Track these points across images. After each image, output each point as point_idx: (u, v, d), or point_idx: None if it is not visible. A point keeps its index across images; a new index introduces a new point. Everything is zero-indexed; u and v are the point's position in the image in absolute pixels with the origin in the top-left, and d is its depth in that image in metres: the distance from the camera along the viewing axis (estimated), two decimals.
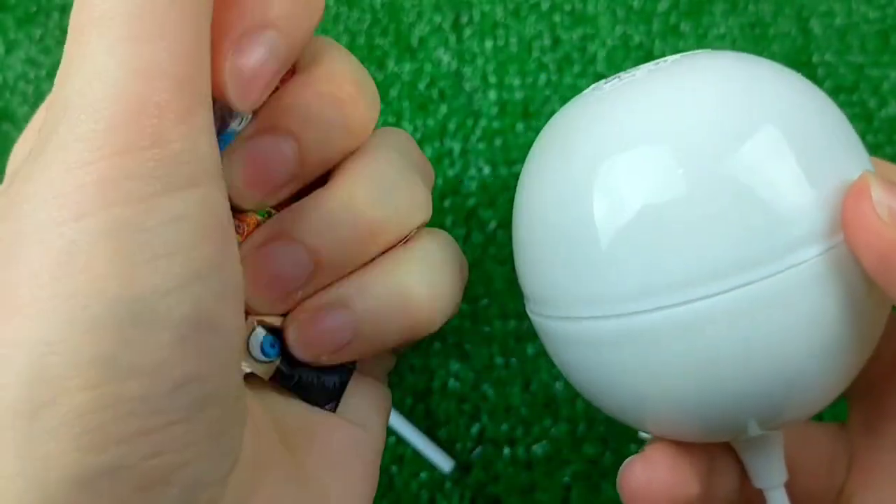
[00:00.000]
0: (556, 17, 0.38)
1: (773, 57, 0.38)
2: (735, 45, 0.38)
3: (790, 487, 0.20)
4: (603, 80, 0.19)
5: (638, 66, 0.19)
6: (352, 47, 0.38)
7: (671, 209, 0.16)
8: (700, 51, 0.19)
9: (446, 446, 0.31)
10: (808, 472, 0.22)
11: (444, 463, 0.31)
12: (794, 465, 0.21)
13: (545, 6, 0.39)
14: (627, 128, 0.17)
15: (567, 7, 0.39)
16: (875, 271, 0.15)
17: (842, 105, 0.37)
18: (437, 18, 0.38)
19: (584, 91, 0.19)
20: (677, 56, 0.19)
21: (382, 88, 0.37)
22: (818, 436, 0.22)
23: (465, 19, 0.38)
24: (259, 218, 0.19)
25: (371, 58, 0.38)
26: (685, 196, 0.15)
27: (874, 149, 0.36)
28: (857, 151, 0.18)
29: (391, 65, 0.38)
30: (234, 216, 0.18)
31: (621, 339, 0.16)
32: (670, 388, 0.16)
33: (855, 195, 0.16)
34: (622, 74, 0.19)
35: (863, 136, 0.36)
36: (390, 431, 0.31)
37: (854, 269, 0.16)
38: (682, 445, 0.19)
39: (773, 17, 0.39)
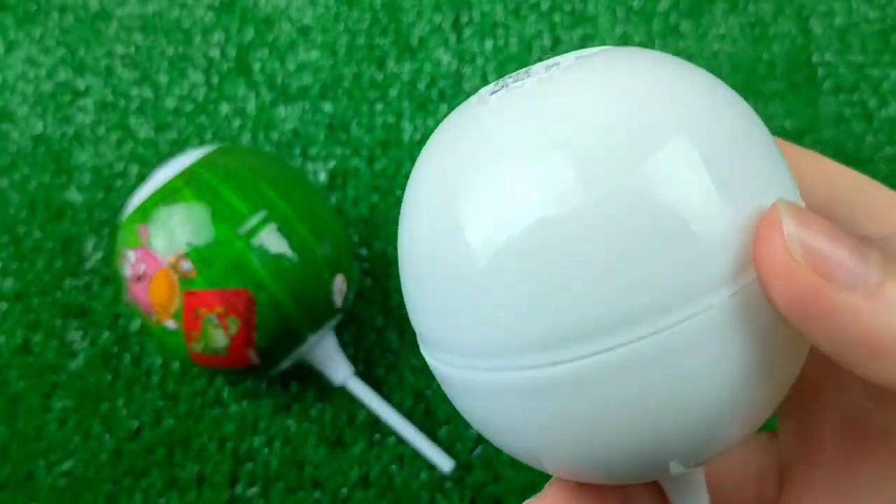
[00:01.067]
0: (556, 17, 0.38)
1: (772, 57, 0.38)
2: (735, 45, 0.38)
3: (719, 503, 0.19)
4: (491, 86, 0.16)
5: (532, 67, 0.16)
6: (352, 47, 0.38)
7: (558, 250, 0.14)
8: (597, 49, 0.17)
9: (446, 446, 0.31)
10: (737, 486, 0.21)
11: (444, 463, 0.31)
12: (722, 479, 0.20)
13: (545, 6, 0.39)
14: (509, 156, 0.14)
15: (567, 7, 0.39)
16: (789, 314, 0.14)
17: (841, 105, 0.38)
18: (437, 18, 0.38)
19: (469, 100, 0.17)
20: (571, 56, 0.16)
21: (382, 88, 0.37)
22: (748, 449, 0.21)
23: (465, 19, 0.38)
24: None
25: (371, 58, 0.38)
26: (580, 236, 0.14)
27: (874, 149, 0.36)
28: (777, 174, 0.15)
29: (391, 65, 0.38)
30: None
31: (517, 393, 0.15)
32: (580, 438, 0.15)
33: (766, 229, 0.14)
34: (513, 78, 0.16)
35: (863, 135, 0.36)
36: (390, 431, 0.31)
37: (769, 306, 0.14)
38: (584, 486, 0.18)
39: (773, 16, 0.39)
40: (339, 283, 0.29)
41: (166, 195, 0.27)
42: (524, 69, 0.16)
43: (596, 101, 0.14)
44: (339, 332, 0.33)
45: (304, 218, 0.28)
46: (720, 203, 0.14)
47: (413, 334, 0.33)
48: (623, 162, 0.14)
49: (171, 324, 0.27)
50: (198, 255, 0.27)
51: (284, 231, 0.28)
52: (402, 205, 0.17)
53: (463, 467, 0.31)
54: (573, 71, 0.15)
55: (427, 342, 0.17)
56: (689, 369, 0.14)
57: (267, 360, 0.29)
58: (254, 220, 0.27)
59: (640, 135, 0.14)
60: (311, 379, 0.32)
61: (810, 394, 0.20)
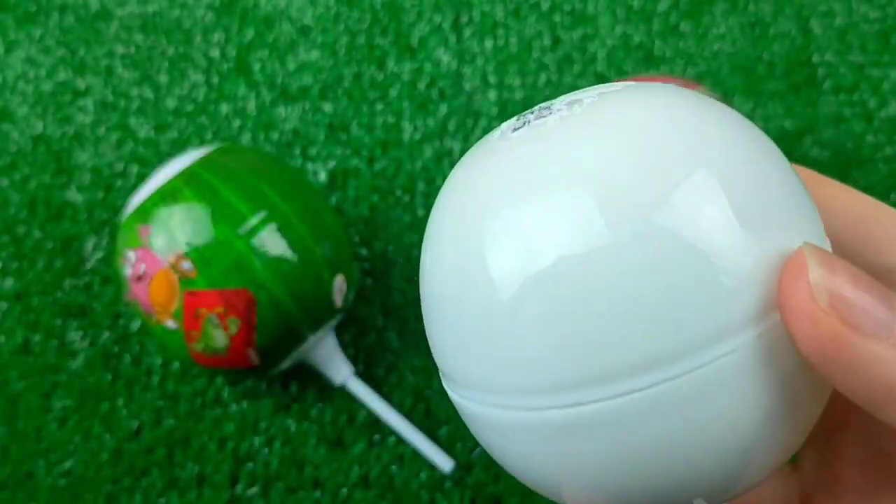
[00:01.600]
0: (557, 17, 0.38)
1: (772, 57, 0.38)
2: (735, 45, 0.38)
3: None
4: (513, 121, 0.16)
5: (553, 102, 0.16)
6: (352, 47, 0.38)
7: (583, 293, 0.13)
8: (620, 85, 0.17)
9: (446, 446, 0.31)
10: None
11: (444, 463, 0.31)
12: None
13: (545, 6, 0.39)
14: (531, 195, 0.14)
15: (567, 7, 0.39)
16: (812, 359, 0.14)
17: (841, 105, 0.38)
18: (437, 18, 0.38)
19: (490, 135, 0.17)
20: (594, 92, 0.16)
21: (382, 88, 0.37)
22: (770, 480, 0.21)
23: (465, 19, 0.38)
24: None
25: (371, 58, 0.38)
26: (602, 277, 0.13)
27: (874, 148, 0.36)
28: (802, 211, 0.15)
29: (391, 65, 0.38)
30: None
31: (538, 432, 0.15)
32: (603, 479, 0.15)
33: (791, 274, 0.14)
34: (534, 114, 0.16)
35: (863, 135, 0.36)
36: (390, 431, 0.31)
37: (793, 348, 0.14)
38: None
39: (774, 16, 0.38)
40: (339, 283, 0.29)
41: (166, 195, 0.27)
42: (546, 104, 0.16)
43: (619, 140, 0.14)
44: (339, 332, 0.33)
45: (304, 218, 0.28)
46: (745, 243, 0.14)
47: (413, 334, 0.33)
48: (645, 201, 0.14)
49: (171, 323, 0.27)
50: (198, 254, 0.27)
51: (284, 231, 0.28)
52: (424, 241, 0.17)
53: (463, 467, 0.31)
54: (595, 108, 0.15)
55: (449, 378, 0.17)
56: (712, 412, 0.14)
57: (267, 360, 0.29)
58: (254, 221, 0.27)
59: (662, 174, 0.14)
60: (311, 379, 0.32)
61: (834, 427, 0.19)
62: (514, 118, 0.16)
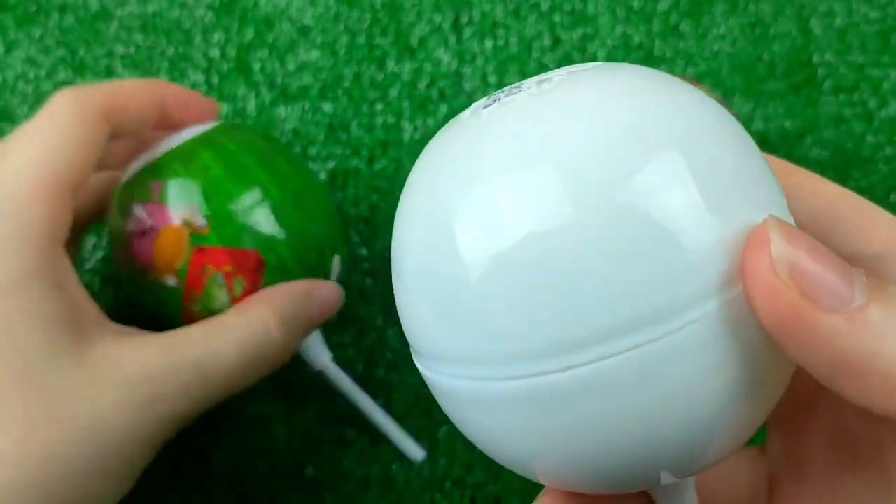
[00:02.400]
0: (557, 17, 0.38)
1: (773, 57, 0.38)
2: (735, 45, 0.38)
3: None
4: (484, 100, 0.17)
5: (524, 81, 0.17)
6: (352, 47, 0.38)
7: (551, 264, 0.14)
8: (589, 65, 0.17)
9: (446, 446, 0.31)
10: (727, 500, 0.21)
11: (415, 452, 0.31)
12: (712, 493, 0.20)
13: (545, 6, 0.39)
14: (499, 171, 0.15)
15: (567, 7, 0.39)
16: (772, 331, 0.14)
17: (842, 105, 0.38)
18: (437, 18, 0.38)
19: (461, 114, 0.17)
20: (563, 71, 0.16)
21: (382, 88, 0.37)
22: (737, 463, 0.21)
23: (465, 19, 0.38)
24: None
25: (371, 58, 0.38)
26: (569, 249, 0.14)
27: (874, 148, 0.36)
28: (766, 188, 0.15)
29: (391, 65, 0.38)
30: None
31: (510, 402, 0.15)
32: (571, 449, 0.15)
33: (754, 246, 0.14)
34: (505, 92, 0.16)
35: (863, 135, 0.36)
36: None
37: (756, 320, 0.14)
38: (576, 496, 0.18)
39: (774, 16, 0.39)
40: (336, 265, 0.30)
41: (182, 155, 0.27)
42: (517, 84, 0.16)
43: (585, 117, 0.15)
44: (340, 332, 0.33)
45: (311, 194, 0.29)
46: (708, 216, 0.14)
47: None
48: (611, 176, 0.14)
49: (171, 281, 0.27)
50: (213, 211, 0.27)
51: (293, 201, 0.28)
52: (396, 218, 0.17)
53: (464, 467, 0.31)
54: (564, 86, 0.15)
55: (419, 352, 0.17)
56: (677, 380, 0.14)
57: None
58: (270, 187, 0.27)
59: (628, 149, 0.14)
60: (312, 379, 0.32)
61: (799, 408, 0.20)
62: (486, 97, 0.17)
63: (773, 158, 0.20)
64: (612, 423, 0.14)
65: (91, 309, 0.26)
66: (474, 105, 0.17)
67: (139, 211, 0.27)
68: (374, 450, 0.31)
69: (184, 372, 0.24)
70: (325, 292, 0.28)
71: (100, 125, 0.27)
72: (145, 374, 0.24)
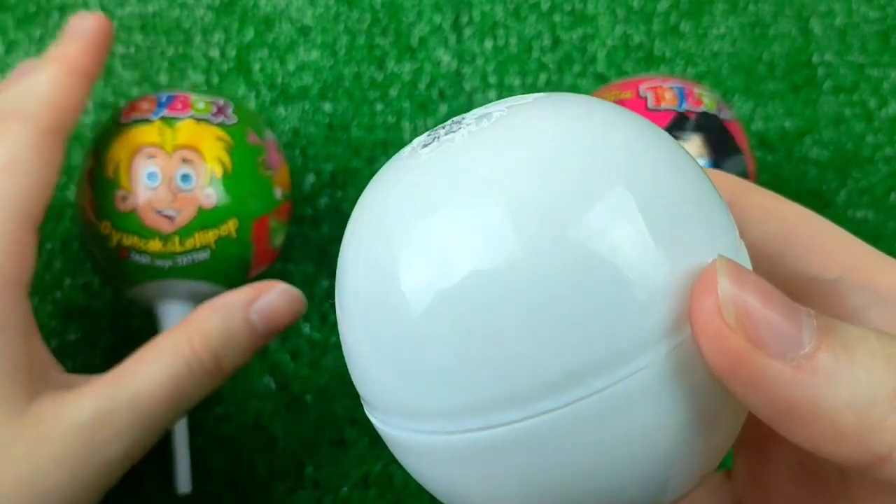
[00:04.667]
0: (556, 17, 0.38)
1: (773, 57, 0.38)
2: (735, 45, 0.38)
3: None
4: (423, 137, 0.16)
5: (464, 116, 0.16)
6: (352, 47, 0.38)
7: (493, 311, 0.13)
8: (530, 98, 0.16)
9: None
10: None
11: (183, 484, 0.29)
12: None
13: (545, 6, 0.39)
14: (439, 211, 0.14)
15: (567, 7, 0.39)
16: (720, 376, 0.14)
17: (842, 105, 0.38)
18: (437, 18, 0.38)
19: (402, 152, 0.17)
20: (503, 105, 0.16)
21: (382, 88, 0.37)
22: (703, 488, 0.20)
23: (465, 19, 0.38)
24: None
25: (371, 58, 0.38)
26: (510, 296, 0.13)
27: (874, 149, 0.36)
28: (716, 225, 0.15)
29: (391, 65, 0.38)
30: None
31: (456, 456, 0.14)
32: (530, 497, 0.14)
33: (701, 289, 0.13)
34: (445, 129, 0.16)
35: (863, 136, 0.36)
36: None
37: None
38: None
39: (774, 17, 0.39)
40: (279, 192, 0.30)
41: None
42: (458, 117, 0.16)
43: (527, 153, 0.14)
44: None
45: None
46: (658, 258, 0.13)
47: None
48: (552, 216, 0.13)
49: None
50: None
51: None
52: (339, 260, 0.16)
53: None
54: (504, 121, 0.15)
55: (367, 403, 0.16)
56: (629, 427, 0.14)
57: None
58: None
59: (571, 188, 0.14)
60: (311, 379, 0.32)
61: (765, 436, 0.19)
62: (426, 133, 0.16)
63: (730, 178, 0.19)
64: (564, 472, 0.14)
65: (44, 358, 0.25)
66: (414, 143, 0.16)
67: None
68: (374, 450, 0.31)
69: (117, 412, 0.23)
70: (272, 298, 0.25)
71: (57, 147, 0.26)
72: (81, 423, 0.23)
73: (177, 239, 0.27)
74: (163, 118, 0.28)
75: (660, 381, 0.14)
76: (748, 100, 0.37)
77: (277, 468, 0.31)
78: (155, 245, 0.27)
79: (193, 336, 0.24)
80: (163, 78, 0.37)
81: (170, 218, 0.27)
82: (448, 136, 0.15)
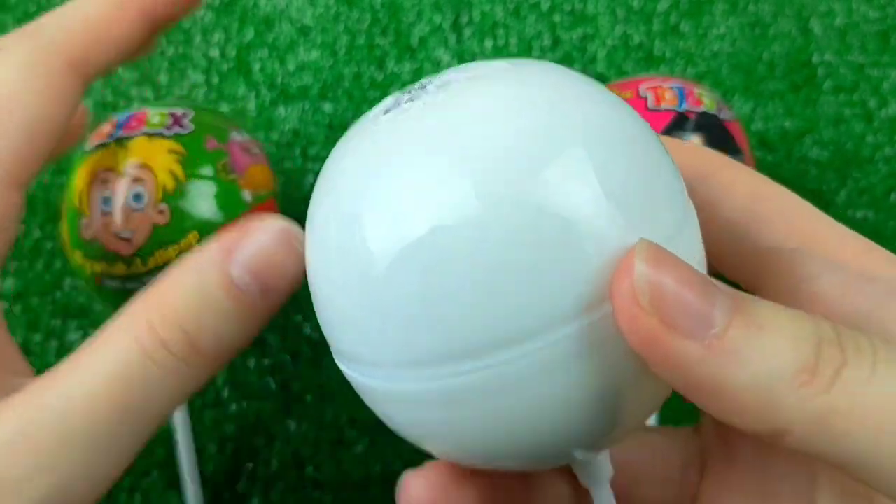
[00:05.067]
0: (556, 17, 0.38)
1: (772, 57, 0.38)
2: (735, 45, 0.38)
3: (644, 497, 0.20)
4: (389, 98, 0.17)
5: (430, 79, 0.16)
6: (352, 47, 0.38)
7: (438, 278, 0.14)
8: (493, 63, 0.17)
9: None
10: (662, 480, 0.21)
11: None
12: (647, 473, 0.20)
13: (545, 6, 0.39)
14: (395, 177, 0.15)
15: (567, 7, 0.39)
16: (639, 352, 0.14)
17: (842, 105, 0.38)
18: (437, 18, 0.38)
19: (365, 116, 0.17)
20: (470, 69, 0.16)
21: (382, 88, 0.37)
22: (670, 441, 0.21)
23: (465, 19, 0.38)
24: None
25: (371, 58, 0.38)
26: (463, 257, 0.14)
27: (874, 148, 0.36)
28: (667, 194, 0.15)
29: (391, 65, 0.38)
30: None
31: (416, 402, 0.15)
32: (488, 439, 0.16)
33: (621, 270, 0.14)
34: (408, 93, 0.16)
35: (863, 136, 0.36)
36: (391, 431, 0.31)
37: None
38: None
39: (773, 17, 0.39)
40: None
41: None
42: (423, 81, 0.17)
43: (490, 116, 0.15)
44: None
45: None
46: (608, 223, 0.14)
47: None
48: (504, 175, 0.14)
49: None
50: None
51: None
52: (308, 219, 0.17)
53: None
54: (464, 85, 0.16)
55: (337, 352, 0.17)
56: (573, 379, 0.15)
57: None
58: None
59: (525, 150, 0.14)
60: (311, 379, 0.32)
61: None
62: (391, 97, 0.17)
63: (704, 152, 0.20)
64: (515, 419, 0.15)
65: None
66: (381, 104, 0.17)
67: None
68: (374, 450, 0.31)
69: (41, 432, 0.17)
70: (260, 242, 0.18)
71: (71, 84, 0.21)
72: None
73: (139, 260, 0.26)
74: (117, 139, 0.27)
75: (601, 339, 0.14)
76: (748, 100, 0.37)
77: (277, 468, 0.31)
78: (120, 269, 0.27)
79: (151, 311, 0.18)
80: (163, 78, 0.37)
81: (127, 240, 0.26)
82: (411, 100, 0.16)
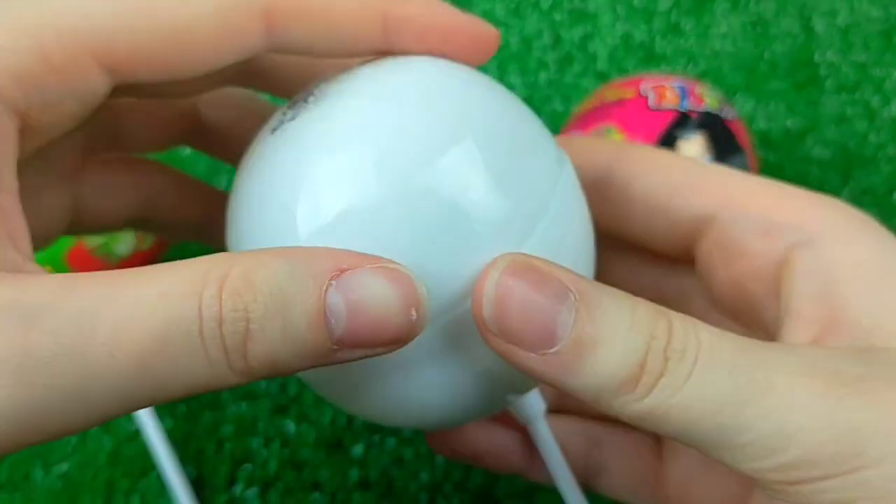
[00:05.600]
0: (557, 16, 0.38)
1: (774, 56, 0.38)
2: (736, 44, 0.38)
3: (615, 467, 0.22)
4: (286, 108, 0.18)
5: (317, 86, 0.18)
6: None
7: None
8: (388, 59, 0.18)
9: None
10: (630, 456, 0.23)
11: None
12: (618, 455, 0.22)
13: (545, 5, 0.38)
14: (311, 160, 0.16)
15: (568, 5, 0.38)
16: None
17: (844, 104, 0.37)
18: None
19: (271, 121, 0.19)
20: (364, 65, 0.18)
21: None
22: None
23: None
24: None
25: None
26: (365, 240, 0.15)
27: (876, 148, 0.36)
28: (538, 184, 0.17)
29: None
30: None
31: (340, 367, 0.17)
32: (421, 407, 0.18)
33: (478, 282, 0.16)
34: (306, 99, 0.18)
35: (865, 134, 0.36)
36: (390, 432, 0.31)
37: None
38: None
39: (775, 15, 0.38)
40: None
41: None
42: (311, 90, 0.18)
43: (386, 109, 0.16)
44: None
45: None
46: (493, 206, 0.16)
47: None
48: (399, 165, 0.16)
49: None
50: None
51: None
52: (230, 203, 0.18)
53: (464, 469, 0.31)
54: (362, 81, 0.17)
55: None
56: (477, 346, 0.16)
57: None
58: None
59: (414, 139, 0.16)
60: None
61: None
62: (286, 106, 0.18)
63: (606, 143, 0.21)
64: (423, 382, 0.17)
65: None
66: (276, 117, 0.18)
67: None
68: (373, 452, 0.31)
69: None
70: (366, 281, 0.14)
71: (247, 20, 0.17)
72: None
73: None
74: None
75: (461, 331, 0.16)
76: (750, 98, 0.37)
77: (275, 470, 0.31)
78: None
79: (221, 278, 0.14)
80: None
81: None
82: (313, 99, 0.17)
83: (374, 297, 0.14)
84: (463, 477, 0.31)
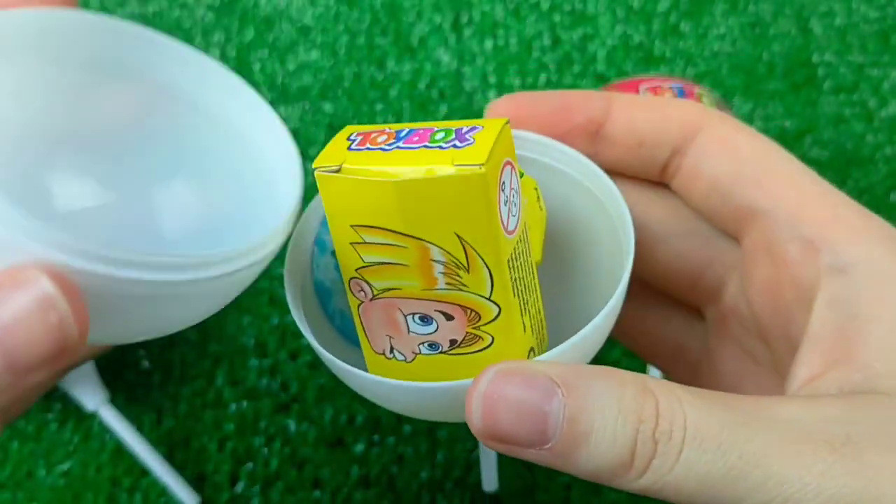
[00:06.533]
0: (556, 17, 0.38)
1: (772, 57, 0.38)
2: (735, 45, 0.38)
3: (675, 251, 0.22)
4: None
5: None
6: (352, 47, 0.38)
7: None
8: None
9: (448, 446, 0.31)
10: (686, 232, 0.23)
11: (188, 499, 0.30)
12: (668, 229, 0.23)
13: (545, 6, 0.39)
14: None
15: (567, 7, 0.39)
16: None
17: (842, 105, 0.38)
18: (437, 18, 0.38)
19: None
20: None
21: (382, 88, 0.37)
22: (678, 328, 0.24)
23: (465, 19, 0.38)
24: None
25: (371, 58, 0.38)
26: None
27: (874, 148, 0.36)
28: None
29: (391, 65, 0.38)
30: None
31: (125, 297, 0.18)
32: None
33: (469, 392, 0.17)
34: None
35: (863, 135, 0.36)
36: (390, 431, 0.31)
37: None
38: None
39: (774, 16, 0.39)
40: None
41: None
42: None
43: None
44: None
45: None
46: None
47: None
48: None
49: None
50: None
51: None
52: None
53: (464, 467, 0.31)
54: None
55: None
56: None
57: None
58: None
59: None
60: (311, 379, 0.32)
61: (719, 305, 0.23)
62: None
63: (696, 108, 0.21)
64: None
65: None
66: None
67: None
68: (374, 450, 0.31)
69: None
70: (17, 302, 0.14)
71: None
72: None
73: None
74: None
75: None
76: (748, 99, 0.37)
77: (277, 468, 0.31)
78: None
79: None
80: None
81: None
82: None
83: (13, 316, 0.15)
84: (463, 475, 0.31)
